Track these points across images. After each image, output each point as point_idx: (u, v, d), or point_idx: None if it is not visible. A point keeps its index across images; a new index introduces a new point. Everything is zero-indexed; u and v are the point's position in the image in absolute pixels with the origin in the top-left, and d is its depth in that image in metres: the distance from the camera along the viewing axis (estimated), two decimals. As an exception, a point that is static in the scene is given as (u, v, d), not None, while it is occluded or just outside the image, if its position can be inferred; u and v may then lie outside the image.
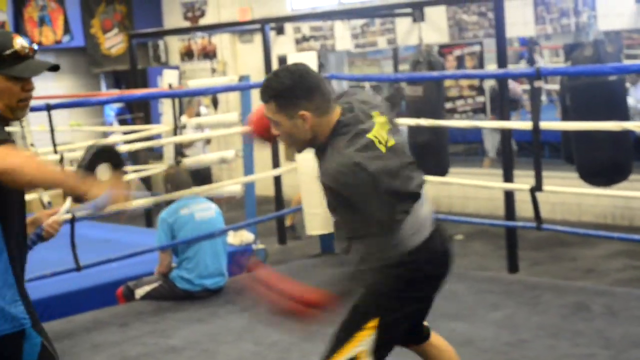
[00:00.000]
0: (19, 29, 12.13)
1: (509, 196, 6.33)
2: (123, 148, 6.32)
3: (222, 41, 12.30)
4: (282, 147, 8.73)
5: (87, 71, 13.14)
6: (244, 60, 12.01)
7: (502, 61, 6.39)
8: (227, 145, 10.71)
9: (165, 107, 8.10)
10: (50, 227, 2.76)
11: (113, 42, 12.95)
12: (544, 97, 9.53)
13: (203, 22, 12.55)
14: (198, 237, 5.54)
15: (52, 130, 5.48)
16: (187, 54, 12.87)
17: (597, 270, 6.93)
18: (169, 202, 5.86)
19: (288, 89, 2.56)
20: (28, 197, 6.12)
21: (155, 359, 4.59)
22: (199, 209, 5.66)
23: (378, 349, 2.70)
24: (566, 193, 6.81)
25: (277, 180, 7.80)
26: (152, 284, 5.58)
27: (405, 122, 6.12)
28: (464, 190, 9.42)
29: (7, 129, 2.41)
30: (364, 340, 2.68)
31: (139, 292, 5.57)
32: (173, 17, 12.99)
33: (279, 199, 7.91)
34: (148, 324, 5.12)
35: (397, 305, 2.71)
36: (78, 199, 2.33)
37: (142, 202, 5.83)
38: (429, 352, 3.04)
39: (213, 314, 5.24)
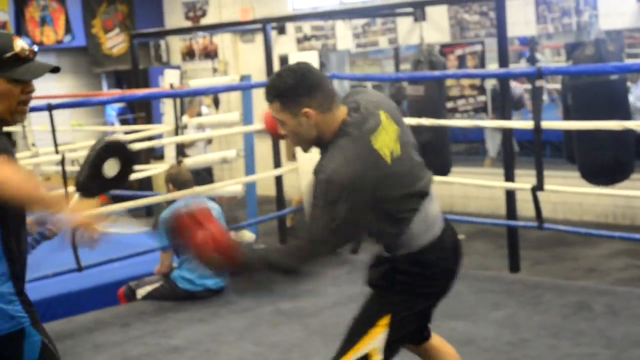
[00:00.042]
0: (21, 28, 12.14)
1: (510, 195, 6.33)
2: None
3: (223, 41, 12.30)
4: (283, 147, 8.73)
5: (88, 71, 13.14)
6: (246, 60, 12.01)
7: (503, 60, 6.39)
8: (228, 145, 10.71)
9: (167, 107, 8.10)
10: (55, 226, 2.73)
11: (114, 42, 12.96)
12: (545, 97, 9.52)
13: (204, 21, 12.55)
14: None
15: (53, 130, 5.48)
16: (189, 54, 12.87)
17: (598, 270, 6.93)
18: (170, 202, 5.87)
19: (290, 87, 2.59)
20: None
21: (156, 359, 4.59)
22: (200, 209, 5.65)
23: (389, 347, 2.71)
24: (567, 192, 6.81)
25: (279, 180, 7.80)
26: (153, 284, 5.58)
27: (407, 121, 6.12)
28: (465, 190, 9.42)
29: (8, 128, 2.40)
30: (377, 337, 2.69)
31: (141, 292, 5.57)
32: (174, 17, 12.99)
33: (280, 199, 7.91)
34: (149, 324, 5.12)
35: (409, 303, 2.73)
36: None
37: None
38: (429, 353, 3.04)
39: (214, 314, 5.24)
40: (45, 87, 9.63)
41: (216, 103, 10.95)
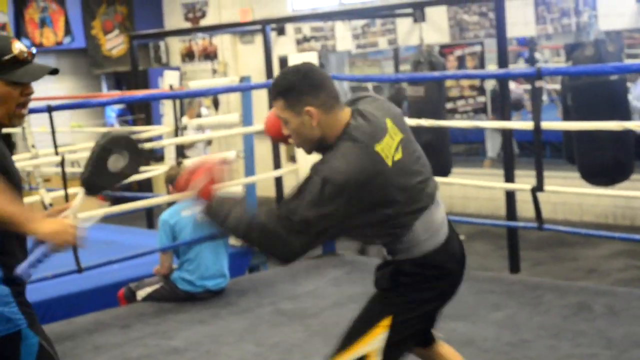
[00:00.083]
0: (20, 30, 12.15)
1: (510, 196, 6.33)
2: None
3: (223, 42, 12.31)
4: (283, 148, 8.72)
5: (88, 72, 13.15)
6: (245, 61, 12.02)
7: (503, 61, 6.39)
8: (228, 146, 10.71)
9: (166, 108, 8.10)
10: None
11: (114, 43, 12.96)
12: (545, 97, 9.53)
13: (204, 23, 12.56)
14: (199, 238, 5.54)
15: (53, 132, 5.48)
16: (188, 55, 12.88)
17: (598, 270, 6.93)
18: (170, 204, 5.87)
19: (294, 85, 2.61)
20: (30, 199, 6.14)
21: (156, 361, 4.59)
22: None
23: (389, 349, 2.70)
24: (567, 193, 6.81)
25: (278, 181, 7.79)
26: (153, 285, 5.58)
27: (407, 122, 6.12)
28: (465, 191, 9.43)
29: (7, 130, 2.40)
30: (377, 337, 2.69)
31: (141, 293, 5.57)
32: (174, 18, 13.00)
33: (279, 200, 7.90)
34: (149, 326, 5.12)
35: (411, 305, 2.72)
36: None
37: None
38: (434, 357, 3.02)
39: (215, 315, 5.24)
40: (45, 89, 9.64)
41: (216, 104, 10.96)
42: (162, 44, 13.10)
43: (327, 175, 2.52)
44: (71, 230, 2.35)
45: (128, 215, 7.59)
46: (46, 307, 5.40)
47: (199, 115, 9.12)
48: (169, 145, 7.59)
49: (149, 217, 9.07)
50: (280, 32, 11.33)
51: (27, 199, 5.93)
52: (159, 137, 7.92)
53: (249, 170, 7.15)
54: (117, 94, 10.93)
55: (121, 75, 13.28)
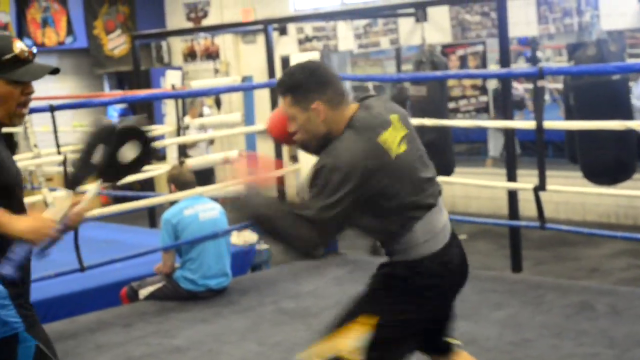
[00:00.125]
0: (22, 30, 12.15)
1: (512, 196, 6.33)
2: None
3: (225, 42, 12.31)
4: (285, 147, 8.72)
5: (90, 72, 13.15)
6: (247, 60, 12.02)
7: (505, 61, 6.39)
8: (230, 145, 10.72)
9: (169, 108, 8.11)
10: (76, 216, 2.57)
11: (116, 43, 12.97)
12: (547, 97, 9.53)
13: (206, 22, 12.56)
14: (202, 237, 5.54)
15: (55, 131, 5.49)
16: (190, 55, 12.88)
17: (600, 270, 6.93)
18: (172, 203, 5.87)
19: (301, 81, 2.66)
20: (32, 198, 6.15)
21: (159, 359, 4.59)
22: (202, 209, 5.66)
23: (374, 349, 2.67)
24: (570, 192, 6.81)
25: (280, 180, 7.80)
26: (155, 284, 5.58)
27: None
28: (467, 190, 9.42)
29: (9, 129, 2.40)
30: (356, 334, 2.67)
31: (143, 292, 5.57)
32: (176, 18, 13.00)
33: (281, 199, 7.90)
34: (152, 325, 5.12)
35: (398, 309, 2.69)
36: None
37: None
38: None
39: (217, 314, 5.24)
40: (47, 89, 9.66)
41: (218, 104, 10.96)
42: (164, 43, 13.10)
43: (332, 164, 2.54)
44: (50, 224, 2.36)
45: (130, 215, 7.59)
46: (49, 306, 5.41)
47: (201, 115, 9.12)
48: (171, 144, 7.59)
49: (151, 216, 9.07)
50: (282, 32, 11.32)
51: (29, 198, 5.94)
52: (161, 137, 7.92)
53: (251, 169, 7.16)
54: (119, 93, 10.95)
55: (123, 75, 13.28)
